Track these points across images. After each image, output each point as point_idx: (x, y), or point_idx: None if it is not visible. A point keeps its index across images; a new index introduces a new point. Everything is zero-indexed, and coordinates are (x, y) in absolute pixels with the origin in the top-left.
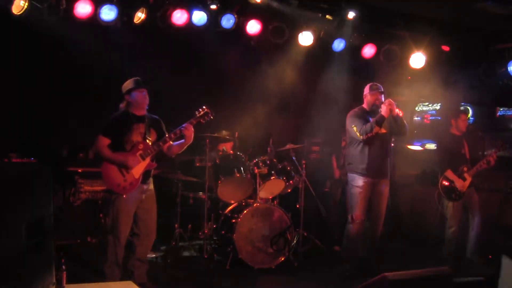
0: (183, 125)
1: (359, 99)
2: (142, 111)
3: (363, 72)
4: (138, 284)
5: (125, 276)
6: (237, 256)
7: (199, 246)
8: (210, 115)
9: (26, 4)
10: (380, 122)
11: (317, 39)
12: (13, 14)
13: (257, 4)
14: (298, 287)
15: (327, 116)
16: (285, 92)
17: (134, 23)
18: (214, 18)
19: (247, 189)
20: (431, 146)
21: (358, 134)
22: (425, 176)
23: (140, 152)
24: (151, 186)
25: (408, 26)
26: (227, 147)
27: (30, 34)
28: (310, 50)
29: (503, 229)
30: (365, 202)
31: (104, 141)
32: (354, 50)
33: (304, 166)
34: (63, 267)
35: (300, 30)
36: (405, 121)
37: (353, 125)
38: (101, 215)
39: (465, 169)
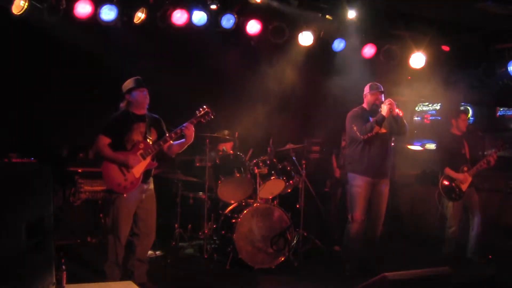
0: (184, 125)
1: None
2: (143, 111)
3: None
4: (138, 284)
5: (125, 276)
6: (237, 256)
7: (199, 246)
8: (210, 114)
9: (26, 4)
10: (380, 121)
11: (317, 39)
12: (13, 14)
13: (257, 4)
14: (298, 287)
15: (327, 116)
16: (285, 92)
17: (134, 23)
18: (214, 18)
19: (247, 189)
20: (431, 146)
21: (358, 134)
22: (425, 176)
23: (141, 151)
24: (151, 186)
25: (408, 26)
26: (227, 147)
27: (30, 34)
28: (310, 50)
29: (503, 229)
30: (365, 202)
31: (105, 141)
32: (354, 50)
33: (304, 166)
34: (63, 267)
35: (300, 30)
36: (405, 121)
37: (353, 125)
38: (101, 215)
39: (465, 169)
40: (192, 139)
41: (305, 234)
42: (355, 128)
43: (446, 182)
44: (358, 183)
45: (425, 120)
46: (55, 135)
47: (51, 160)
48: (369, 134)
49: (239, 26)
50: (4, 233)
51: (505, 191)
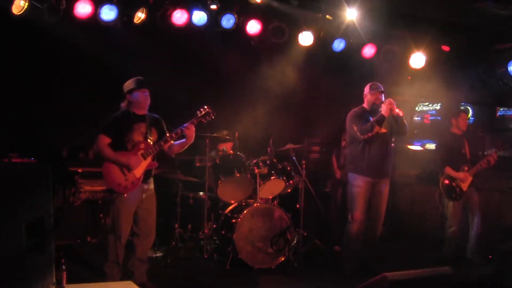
0: (185, 125)
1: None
2: (143, 111)
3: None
4: (138, 284)
5: (125, 276)
6: (237, 256)
7: (199, 246)
8: (211, 115)
9: (26, 4)
10: (380, 121)
11: (317, 39)
12: (13, 14)
13: (257, 4)
14: (298, 287)
15: (327, 116)
16: (285, 92)
17: (134, 23)
18: (214, 18)
19: (247, 189)
20: (431, 146)
21: (358, 133)
22: (425, 176)
23: (142, 151)
24: (152, 186)
25: (408, 26)
26: (227, 147)
27: (30, 34)
28: (310, 50)
29: (503, 229)
30: (365, 202)
31: (105, 140)
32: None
33: (304, 166)
34: (63, 267)
35: (300, 30)
36: (405, 121)
37: (353, 125)
38: (101, 215)
39: (466, 168)
40: (193, 139)
41: (305, 234)
42: (355, 128)
43: (446, 182)
44: (358, 183)
45: (425, 120)
46: (55, 135)
47: (51, 160)
48: (369, 134)
49: (239, 26)
50: (4, 233)
51: (505, 191)
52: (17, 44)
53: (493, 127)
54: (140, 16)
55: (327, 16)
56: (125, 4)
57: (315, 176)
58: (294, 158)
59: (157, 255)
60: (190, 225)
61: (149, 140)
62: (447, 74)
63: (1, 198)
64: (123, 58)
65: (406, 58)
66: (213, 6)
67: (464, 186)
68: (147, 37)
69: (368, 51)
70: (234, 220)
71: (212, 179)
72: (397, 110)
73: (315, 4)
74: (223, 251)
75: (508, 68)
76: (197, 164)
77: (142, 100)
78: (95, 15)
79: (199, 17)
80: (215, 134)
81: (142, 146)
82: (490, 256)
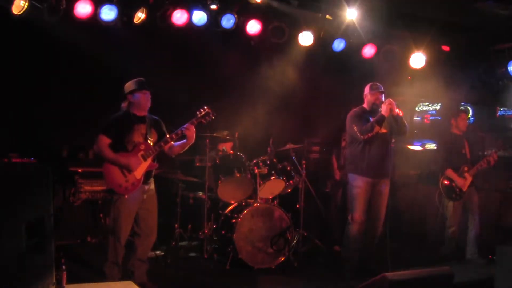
0: (185, 126)
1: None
2: (143, 112)
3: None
4: (138, 284)
5: (125, 276)
6: (237, 256)
7: (199, 246)
8: (211, 115)
9: (26, 4)
10: (380, 121)
11: (317, 39)
12: (13, 14)
13: (257, 4)
14: (298, 287)
15: (327, 116)
16: (285, 92)
17: (134, 23)
18: (214, 18)
19: (247, 189)
20: (431, 146)
21: (358, 134)
22: (425, 176)
23: (142, 152)
24: (152, 186)
25: (408, 26)
26: (226, 147)
27: (30, 34)
28: (310, 50)
29: (503, 229)
30: (365, 202)
31: (105, 141)
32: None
33: (304, 166)
34: (63, 267)
35: (300, 30)
36: (405, 121)
37: (353, 125)
38: (101, 215)
39: (466, 168)
40: (193, 140)
41: (305, 234)
42: (355, 128)
43: (446, 182)
44: (358, 184)
45: (425, 120)
46: (55, 135)
47: (51, 160)
48: (369, 134)
49: (239, 26)
50: (4, 233)
51: (505, 191)
52: (17, 44)
53: (493, 127)
54: (140, 16)
55: (327, 16)
56: (125, 4)
57: (315, 176)
58: (294, 158)
59: (157, 255)
60: (190, 225)
61: (149, 141)
62: (447, 74)
63: (1, 198)
64: (123, 58)
65: (406, 58)
66: (213, 6)
67: (464, 187)
68: (147, 37)
69: (368, 51)
70: (234, 220)
71: (212, 179)
72: (397, 110)
73: (315, 4)
74: (223, 251)
75: (508, 68)
76: (197, 164)
77: (143, 102)
78: (95, 15)
79: (199, 17)
80: (215, 134)
81: (143, 147)
82: (490, 256)
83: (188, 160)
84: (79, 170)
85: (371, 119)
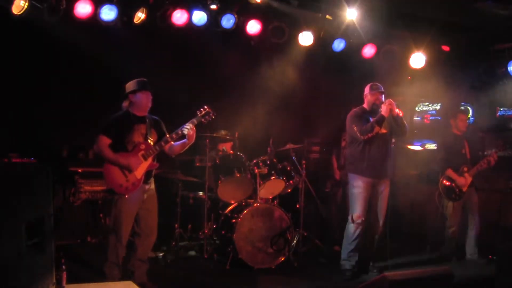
0: (185, 125)
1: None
2: (144, 113)
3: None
4: (138, 284)
5: (125, 276)
6: (237, 256)
7: (199, 246)
8: (211, 114)
9: (26, 4)
10: (380, 121)
11: (317, 39)
12: (13, 14)
13: (257, 4)
14: (298, 287)
15: (327, 116)
16: (285, 92)
17: (134, 23)
18: (214, 18)
19: (247, 189)
20: (431, 146)
21: (358, 134)
22: (425, 176)
23: (142, 152)
24: (153, 186)
25: (408, 26)
26: (226, 147)
27: (30, 34)
28: (310, 50)
29: (503, 229)
30: (365, 203)
31: (105, 141)
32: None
33: (304, 166)
34: (63, 267)
35: (300, 30)
36: (405, 121)
37: (353, 125)
38: (101, 215)
39: (466, 168)
40: (194, 140)
41: (305, 234)
42: (355, 128)
43: (446, 182)
44: (358, 184)
45: (425, 120)
46: (55, 135)
47: (51, 160)
48: (369, 135)
49: (239, 26)
50: (4, 233)
51: (505, 191)
52: (17, 44)
53: (493, 127)
54: (140, 16)
55: (327, 16)
56: (125, 4)
57: (315, 176)
58: (294, 158)
59: (157, 255)
60: (190, 225)
61: (149, 141)
62: (447, 74)
63: (1, 198)
64: (123, 58)
65: (406, 58)
66: (213, 6)
67: (464, 187)
68: (147, 37)
69: (368, 51)
70: (234, 220)
71: (212, 179)
72: (397, 111)
73: (315, 4)
74: (223, 251)
75: (508, 68)
76: (197, 164)
77: (145, 102)
78: (95, 15)
79: (199, 17)
80: (215, 134)
81: (143, 147)
82: (490, 256)
83: (188, 160)
84: (79, 170)
85: (371, 119)
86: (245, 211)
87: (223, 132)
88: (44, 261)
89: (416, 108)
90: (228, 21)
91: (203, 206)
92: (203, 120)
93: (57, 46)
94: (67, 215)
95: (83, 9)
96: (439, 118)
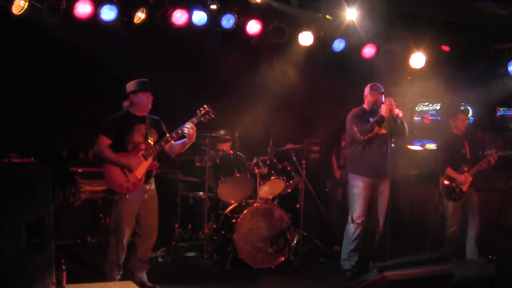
0: (185, 125)
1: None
2: (144, 113)
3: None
4: (138, 284)
5: (125, 276)
6: (237, 256)
7: (199, 246)
8: (211, 113)
9: (26, 4)
10: (380, 122)
11: (317, 39)
12: (13, 14)
13: (257, 4)
14: (298, 287)
15: (327, 116)
16: (285, 92)
17: (134, 23)
18: (214, 18)
19: (247, 189)
20: (431, 146)
21: (358, 134)
22: (425, 176)
23: (142, 152)
24: (153, 186)
25: (408, 26)
26: (226, 147)
27: (30, 34)
28: (310, 50)
29: (503, 229)
30: (365, 203)
31: (105, 141)
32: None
33: (304, 166)
34: (63, 267)
35: (300, 30)
36: (404, 122)
37: (353, 125)
38: (101, 215)
39: (466, 168)
40: (194, 139)
41: (305, 234)
42: (355, 128)
43: (446, 182)
44: (358, 184)
45: (425, 120)
46: (55, 135)
47: (51, 160)
48: (369, 135)
49: (239, 26)
50: (4, 233)
51: (505, 191)
52: (17, 44)
53: (493, 127)
54: (140, 16)
55: (327, 16)
56: (125, 4)
57: (315, 176)
58: (294, 158)
59: (157, 255)
60: (190, 225)
61: (149, 141)
62: (447, 74)
63: (1, 198)
64: (123, 58)
65: (406, 58)
66: (213, 6)
67: (464, 187)
68: (147, 37)
69: (368, 51)
70: (234, 220)
71: (212, 179)
72: (396, 111)
73: (315, 4)
74: (223, 251)
75: (508, 68)
76: (197, 164)
77: (145, 103)
78: (95, 15)
79: (199, 17)
80: (214, 134)
81: (143, 146)
82: (490, 256)
83: (188, 160)
84: (79, 170)
85: (371, 119)
86: (245, 211)
87: (223, 132)
88: (44, 261)
89: (416, 108)
90: (228, 21)
91: (203, 206)
92: (203, 119)
93: (57, 46)
94: (67, 215)
95: (83, 9)
96: (439, 118)
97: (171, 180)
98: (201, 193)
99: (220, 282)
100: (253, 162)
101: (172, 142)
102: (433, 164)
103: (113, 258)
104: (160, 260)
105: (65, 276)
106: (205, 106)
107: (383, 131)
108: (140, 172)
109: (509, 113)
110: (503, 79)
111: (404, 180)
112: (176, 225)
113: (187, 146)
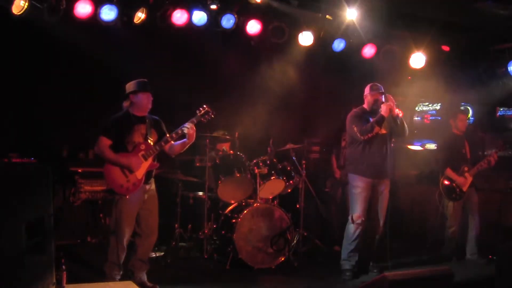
0: (185, 125)
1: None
2: (144, 113)
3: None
4: (138, 284)
5: (125, 276)
6: (237, 256)
7: (199, 246)
8: (211, 113)
9: (26, 4)
10: (380, 122)
11: (317, 39)
12: (13, 14)
13: (257, 4)
14: (298, 287)
15: (327, 116)
16: (285, 92)
17: (134, 23)
18: (214, 18)
19: (247, 189)
20: (431, 146)
21: (358, 134)
22: (425, 176)
23: (142, 152)
24: (153, 186)
25: (408, 26)
26: (226, 147)
27: (30, 34)
28: (310, 50)
29: (503, 229)
30: (365, 203)
31: (106, 142)
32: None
33: (304, 166)
34: (63, 267)
35: (300, 30)
36: (404, 122)
37: (353, 125)
38: (101, 215)
39: (466, 168)
40: (194, 139)
41: (305, 234)
42: (355, 128)
43: (446, 182)
44: (358, 184)
45: (425, 120)
46: (55, 135)
47: (51, 160)
48: (369, 135)
49: (239, 26)
50: (4, 233)
51: (505, 191)
52: (17, 44)
53: (493, 127)
54: (140, 16)
55: (327, 16)
56: (125, 4)
57: (315, 176)
58: (294, 158)
59: (157, 255)
60: (190, 225)
61: (149, 141)
62: (447, 74)
63: (1, 198)
64: (123, 58)
65: (406, 58)
66: (213, 6)
67: (464, 187)
68: (147, 37)
69: (368, 51)
70: (234, 220)
71: (212, 179)
72: (396, 111)
73: (315, 4)
74: (223, 251)
75: (508, 68)
76: (197, 164)
77: (145, 103)
78: (95, 15)
79: (199, 17)
80: (214, 134)
81: (143, 147)
82: (490, 256)
83: (188, 160)
84: (79, 170)
85: (371, 119)
86: (245, 211)
87: (222, 132)
88: (44, 261)
89: (416, 108)
90: (228, 21)
91: (203, 206)
92: (202, 119)
93: (57, 46)
94: (67, 215)
95: (83, 9)
96: (439, 118)
97: (171, 180)
98: (201, 193)
99: (220, 282)
100: (253, 162)
101: (172, 142)
102: (433, 164)
103: (113, 258)
104: (160, 260)
105: (65, 276)
106: (204, 106)
107: (383, 131)
108: (140, 172)
109: (509, 113)
110: (503, 79)
111: (404, 180)
112: (176, 225)
113: (187, 146)
